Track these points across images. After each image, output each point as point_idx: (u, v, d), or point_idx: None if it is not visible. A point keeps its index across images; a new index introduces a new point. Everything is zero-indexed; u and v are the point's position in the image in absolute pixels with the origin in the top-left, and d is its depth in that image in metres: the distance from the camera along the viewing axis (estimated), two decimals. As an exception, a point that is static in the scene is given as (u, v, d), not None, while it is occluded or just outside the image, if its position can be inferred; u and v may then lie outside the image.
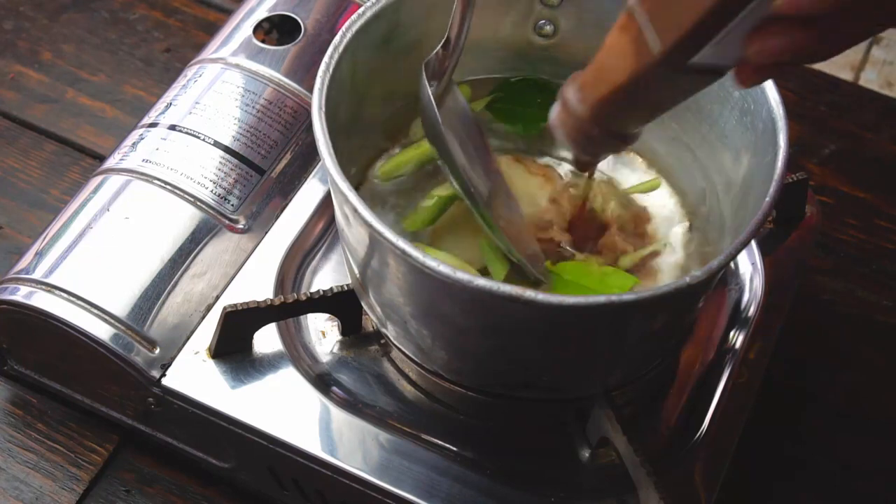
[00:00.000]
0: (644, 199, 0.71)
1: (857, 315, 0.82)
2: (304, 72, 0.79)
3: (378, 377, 0.69)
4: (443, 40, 0.63)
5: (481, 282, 0.53)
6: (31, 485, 0.72)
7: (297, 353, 0.69)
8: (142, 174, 0.72)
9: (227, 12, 0.96)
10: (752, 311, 0.73)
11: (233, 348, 0.68)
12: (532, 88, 0.73)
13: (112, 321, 0.67)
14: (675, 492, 0.63)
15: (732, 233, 0.65)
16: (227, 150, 0.74)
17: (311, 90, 0.61)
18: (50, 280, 0.68)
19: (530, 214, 0.67)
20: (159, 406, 0.69)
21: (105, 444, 0.74)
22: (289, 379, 0.68)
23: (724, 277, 0.74)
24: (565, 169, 0.71)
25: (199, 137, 0.74)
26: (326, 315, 0.70)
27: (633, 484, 0.63)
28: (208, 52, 0.80)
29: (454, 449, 0.66)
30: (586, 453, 0.67)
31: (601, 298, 0.53)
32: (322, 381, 0.68)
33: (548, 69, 0.73)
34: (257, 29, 0.81)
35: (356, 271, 0.63)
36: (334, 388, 0.68)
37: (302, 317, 0.71)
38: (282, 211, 0.74)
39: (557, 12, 0.70)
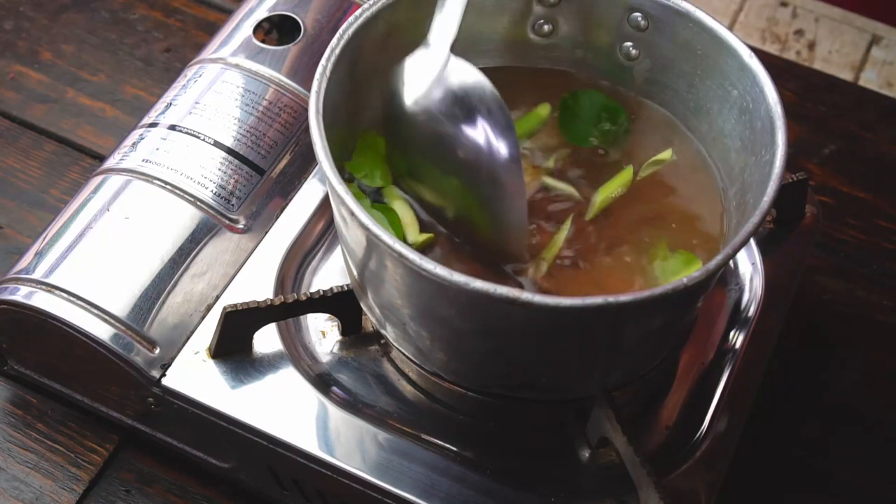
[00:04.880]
0: None
1: (857, 315, 0.82)
2: (303, 72, 0.79)
3: (378, 377, 0.69)
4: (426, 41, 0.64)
5: (478, 284, 0.53)
6: (31, 485, 0.72)
7: (297, 353, 0.69)
8: (142, 174, 0.72)
9: (227, 12, 0.96)
10: (752, 311, 0.73)
11: (233, 348, 0.68)
12: (601, 105, 0.71)
13: (112, 321, 0.67)
14: (675, 492, 0.63)
15: (732, 232, 0.65)
16: (227, 150, 0.74)
17: (310, 90, 0.61)
18: (50, 280, 0.68)
19: None
20: (159, 406, 0.69)
21: (105, 444, 0.74)
22: (289, 379, 0.68)
23: (724, 277, 0.74)
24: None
25: (199, 137, 0.74)
26: (326, 315, 0.70)
27: (633, 484, 0.63)
28: (208, 52, 0.80)
29: (454, 449, 0.66)
30: (586, 453, 0.67)
31: (598, 299, 0.53)
32: (322, 381, 0.68)
33: (545, 67, 0.73)
34: (257, 29, 0.81)
35: (355, 273, 0.64)
36: (334, 388, 0.68)
37: (302, 317, 0.71)
38: (282, 211, 0.74)
39: (555, 12, 0.70)
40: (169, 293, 0.69)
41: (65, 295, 0.68)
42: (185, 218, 0.71)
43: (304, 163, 0.76)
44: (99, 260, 0.69)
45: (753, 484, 0.74)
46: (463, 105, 0.63)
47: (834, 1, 1.04)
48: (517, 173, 0.62)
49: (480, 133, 0.62)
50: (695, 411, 0.69)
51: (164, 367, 0.68)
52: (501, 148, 0.62)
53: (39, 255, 0.70)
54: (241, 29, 0.81)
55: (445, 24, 0.65)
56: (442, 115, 0.64)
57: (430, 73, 0.64)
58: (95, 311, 0.67)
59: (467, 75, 0.63)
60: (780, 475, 0.75)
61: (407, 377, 0.69)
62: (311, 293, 0.67)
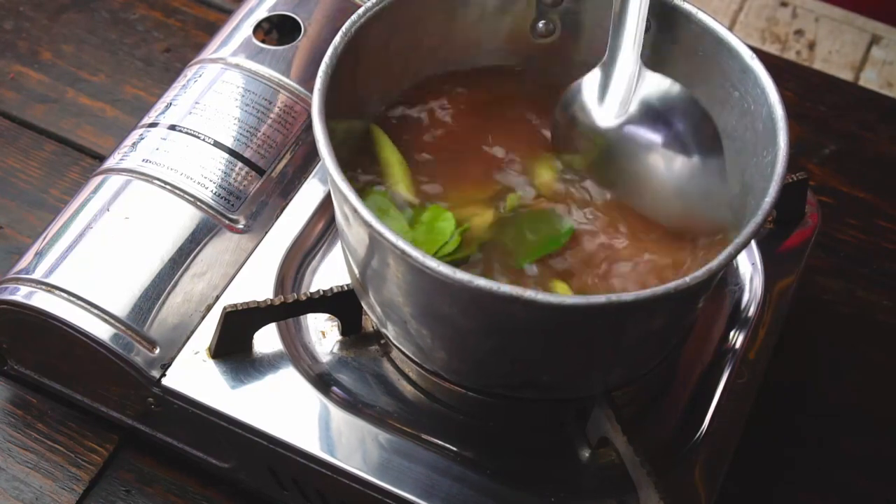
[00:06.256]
0: None
1: (857, 315, 0.82)
2: (303, 72, 0.79)
3: (378, 377, 0.69)
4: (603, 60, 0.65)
5: (481, 282, 0.53)
6: (31, 485, 0.72)
7: (297, 353, 0.69)
8: (142, 174, 0.72)
9: (227, 12, 0.96)
10: (752, 311, 0.73)
11: (233, 348, 0.68)
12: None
13: (112, 321, 0.67)
14: (675, 492, 0.63)
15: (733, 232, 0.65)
16: (227, 150, 0.74)
17: (311, 90, 0.61)
18: (50, 280, 0.68)
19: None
20: (159, 406, 0.69)
21: (105, 444, 0.74)
22: (289, 379, 0.68)
23: (724, 277, 0.74)
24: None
25: (199, 137, 0.74)
26: (326, 315, 0.70)
27: (633, 484, 0.63)
28: (208, 52, 0.80)
29: (454, 449, 0.66)
30: (586, 453, 0.67)
31: (601, 298, 0.53)
32: (322, 381, 0.68)
33: (545, 67, 0.73)
34: (257, 29, 0.81)
35: (356, 271, 0.64)
36: (334, 388, 0.68)
37: (302, 317, 0.71)
38: (282, 211, 0.74)
39: (556, 12, 0.70)
40: (169, 293, 0.69)
41: (65, 295, 0.68)
42: (185, 218, 0.71)
43: (304, 163, 0.76)
44: (99, 260, 0.69)
45: (753, 484, 0.74)
46: (666, 120, 0.64)
47: (834, 1, 1.04)
48: (723, 173, 0.64)
49: (688, 146, 0.63)
50: (695, 411, 0.69)
51: (164, 367, 0.68)
52: (711, 158, 0.63)
53: (39, 255, 0.70)
54: (241, 29, 0.80)
55: (628, 38, 0.65)
56: (643, 131, 0.64)
57: (621, 88, 0.65)
58: (95, 311, 0.67)
59: (667, 88, 0.64)
60: (780, 475, 0.75)
61: (407, 377, 0.69)
62: (311, 293, 0.67)
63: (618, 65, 0.66)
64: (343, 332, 0.70)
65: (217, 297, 0.70)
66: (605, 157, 0.66)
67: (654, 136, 0.65)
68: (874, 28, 1.02)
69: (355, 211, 0.56)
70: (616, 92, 0.66)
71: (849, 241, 0.86)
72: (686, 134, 0.64)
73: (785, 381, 0.78)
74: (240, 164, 0.74)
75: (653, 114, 0.65)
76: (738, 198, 0.65)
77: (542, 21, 0.71)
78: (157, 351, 0.68)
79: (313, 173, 0.76)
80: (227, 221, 0.72)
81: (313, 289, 0.71)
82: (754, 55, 0.63)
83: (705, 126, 0.64)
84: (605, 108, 0.66)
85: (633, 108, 0.65)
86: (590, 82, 0.67)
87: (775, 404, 0.76)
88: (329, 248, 0.74)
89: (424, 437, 0.67)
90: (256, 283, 0.71)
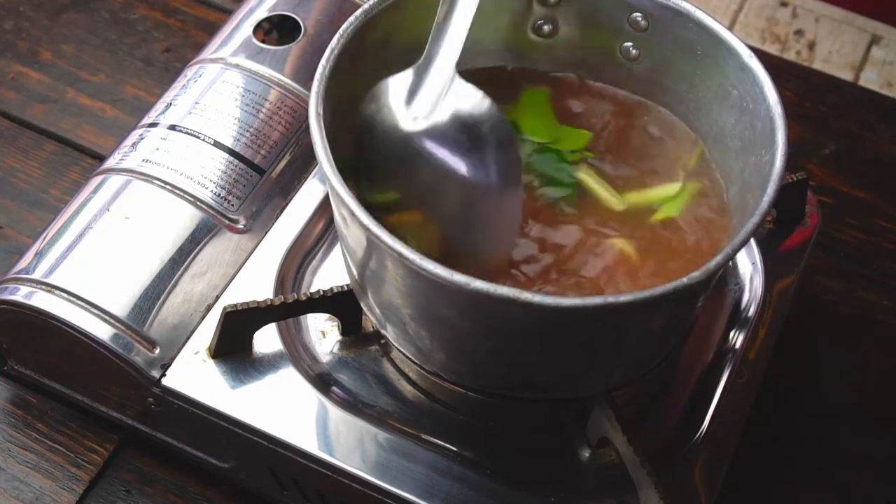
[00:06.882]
0: None
1: (857, 315, 0.82)
2: (304, 72, 0.79)
3: (378, 377, 0.69)
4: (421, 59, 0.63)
5: (478, 284, 0.53)
6: (31, 485, 0.72)
7: (297, 353, 0.69)
8: (142, 174, 0.72)
9: (227, 12, 0.96)
10: (752, 311, 0.73)
11: (233, 348, 0.68)
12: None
13: (112, 321, 0.67)
14: (675, 492, 0.63)
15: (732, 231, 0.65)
16: (227, 150, 0.74)
17: (310, 90, 0.61)
18: (50, 280, 0.68)
19: None
20: (159, 406, 0.69)
21: (105, 444, 0.74)
22: (289, 379, 0.68)
23: (724, 277, 0.74)
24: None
25: (199, 137, 0.74)
26: (326, 315, 0.70)
27: (633, 484, 0.63)
28: (208, 52, 0.80)
29: (454, 449, 0.66)
30: (586, 453, 0.67)
31: (598, 299, 0.53)
32: (322, 381, 0.68)
33: (546, 67, 0.73)
34: (257, 29, 0.81)
35: (355, 273, 0.64)
36: (334, 388, 0.68)
37: (302, 317, 0.71)
38: (282, 211, 0.74)
39: (556, 12, 0.70)
40: (169, 293, 0.69)
41: (65, 295, 0.68)
42: (185, 218, 0.71)
43: (304, 163, 0.76)
44: (99, 260, 0.69)
45: (753, 484, 0.74)
46: (472, 133, 0.62)
47: (834, 1, 1.04)
48: (518, 206, 0.62)
49: (488, 164, 0.61)
50: (695, 411, 0.69)
51: (164, 367, 0.68)
52: (508, 181, 0.61)
53: (39, 255, 0.70)
54: (241, 29, 0.81)
55: (450, 41, 0.63)
56: (446, 141, 0.62)
57: (432, 93, 0.63)
58: (95, 311, 0.67)
59: (478, 102, 0.62)
60: (780, 475, 0.75)
61: (407, 377, 0.69)
62: (311, 293, 0.67)
63: (432, 69, 0.63)
64: (343, 332, 0.70)
65: (217, 297, 0.70)
66: (402, 163, 0.63)
67: (454, 148, 0.62)
68: (874, 28, 1.02)
69: (353, 214, 0.56)
70: (426, 97, 0.63)
71: (849, 241, 0.86)
72: (488, 152, 0.61)
73: (785, 381, 0.78)
74: (240, 165, 0.74)
75: (458, 125, 0.62)
76: (737, 197, 0.65)
77: (542, 20, 0.71)
78: (157, 351, 0.68)
79: (313, 173, 0.76)
80: (227, 221, 0.72)
81: (313, 289, 0.71)
82: (752, 54, 0.63)
83: (510, 150, 0.61)
84: (410, 112, 0.63)
85: (440, 115, 0.62)
86: (399, 83, 0.64)
87: (775, 404, 0.76)
88: (329, 248, 0.74)
89: (424, 437, 0.67)
90: (256, 283, 0.71)
